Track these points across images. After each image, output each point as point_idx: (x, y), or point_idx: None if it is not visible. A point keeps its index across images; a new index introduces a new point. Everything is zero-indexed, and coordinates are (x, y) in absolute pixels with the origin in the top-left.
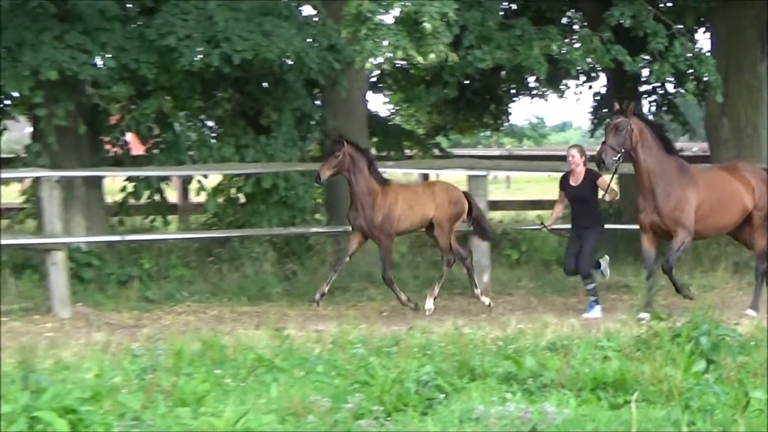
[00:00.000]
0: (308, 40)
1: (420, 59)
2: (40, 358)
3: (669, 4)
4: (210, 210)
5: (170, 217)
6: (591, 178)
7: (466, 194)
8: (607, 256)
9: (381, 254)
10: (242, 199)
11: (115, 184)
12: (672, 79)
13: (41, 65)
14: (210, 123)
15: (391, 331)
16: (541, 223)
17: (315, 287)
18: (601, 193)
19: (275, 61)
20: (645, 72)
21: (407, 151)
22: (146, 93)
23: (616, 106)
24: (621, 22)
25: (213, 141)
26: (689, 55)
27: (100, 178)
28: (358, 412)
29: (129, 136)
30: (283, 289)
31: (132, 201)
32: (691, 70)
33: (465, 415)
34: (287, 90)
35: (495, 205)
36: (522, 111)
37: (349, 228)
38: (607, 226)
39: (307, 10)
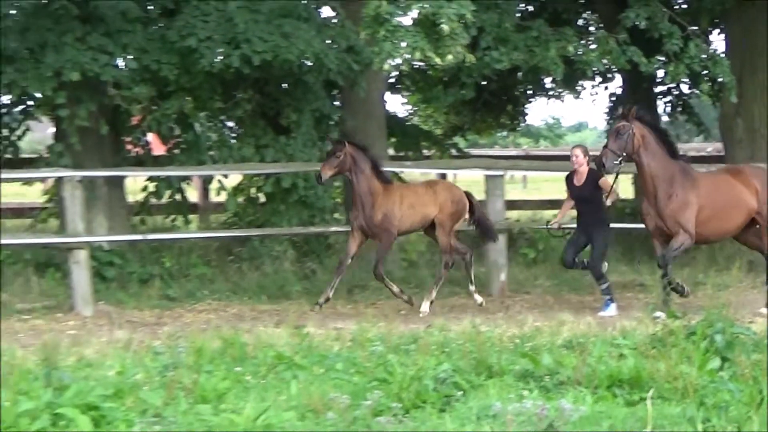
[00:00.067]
0: (327, 42)
1: (438, 60)
2: (63, 355)
3: (684, 6)
4: (230, 209)
5: (191, 217)
6: (594, 178)
7: (467, 194)
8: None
9: (378, 250)
10: (262, 198)
11: (136, 183)
12: (687, 80)
13: (64, 66)
14: (230, 123)
15: (410, 329)
16: (547, 223)
17: None
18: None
19: (295, 62)
20: (660, 73)
21: (425, 152)
22: (167, 94)
23: (619, 110)
24: (636, 23)
25: (233, 141)
26: (704, 56)
27: (121, 178)
28: (376, 409)
29: (150, 137)
30: (302, 287)
31: (153, 200)
32: (705, 71)
33: (482, 412)
34: (306, 91)
35: (512, 205)
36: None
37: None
38: (623, 225)
39: (326, 11)
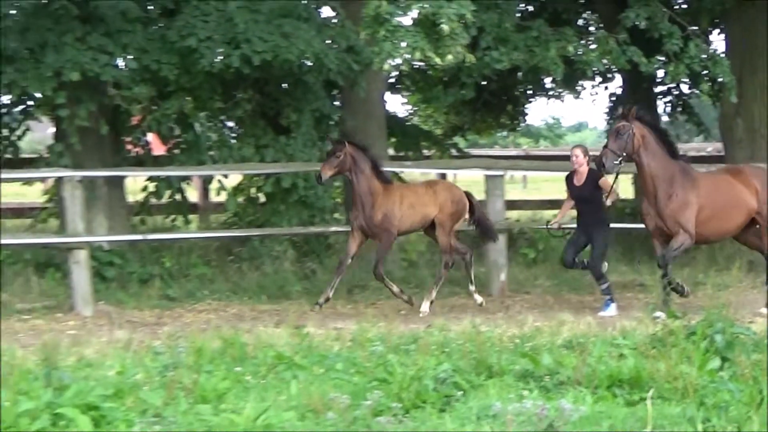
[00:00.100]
0: (327, 42)
1: (438, 60)
2: (63, 355)
3: (684, 6)
4: (230, 209)
5: (191, 217)
6: (594, 178)
7: (467, 194)
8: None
9: (378, 250)
10: (262, 198)
11: (136, 183)
12: (687, 80)
13: (64, 66)
14: (230, 123)
15: (410, 329)
16: (547, 223)
17: None
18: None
19: (295, 62)
20: (660, 73)
21: (425, 152)
22: (167, 94)
23: (619, 110)
24: (636, 23)
25: (233, 141)
26: (704, 56)
27: (121, 178)
28: (376, 409)
29: (150, 137)
30: (302, 287)
31: (153, 200)
32: (705, 71)
33: (482, 412)
34: (306, 91)
35: (512, 205)
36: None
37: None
38: (623, 225)
39: (326, 11)
